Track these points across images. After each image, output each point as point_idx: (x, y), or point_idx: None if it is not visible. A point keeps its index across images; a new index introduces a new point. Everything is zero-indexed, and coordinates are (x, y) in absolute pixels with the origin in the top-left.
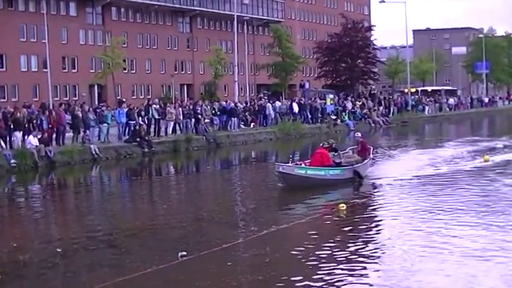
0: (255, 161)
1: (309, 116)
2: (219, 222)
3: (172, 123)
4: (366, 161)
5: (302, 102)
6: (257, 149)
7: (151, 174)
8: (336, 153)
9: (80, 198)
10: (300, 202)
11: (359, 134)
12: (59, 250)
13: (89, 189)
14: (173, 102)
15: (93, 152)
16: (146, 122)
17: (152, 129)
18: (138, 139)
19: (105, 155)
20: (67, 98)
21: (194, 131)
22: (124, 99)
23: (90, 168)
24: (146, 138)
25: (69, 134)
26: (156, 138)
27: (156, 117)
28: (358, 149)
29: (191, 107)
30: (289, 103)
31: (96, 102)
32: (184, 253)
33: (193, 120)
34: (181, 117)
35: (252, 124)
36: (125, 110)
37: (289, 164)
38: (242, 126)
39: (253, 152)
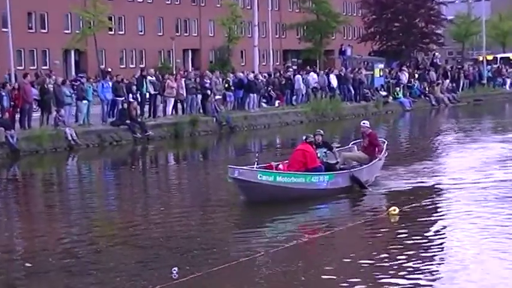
0: (280, 150)
1: (352, 92)
2: (231, 232)
3: (172, 100)
4: (372, 162)
5: (342, 73)
6: (283, 135)
7: (144, 167)
8: (327, 151)
9: (50, 199)
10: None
11: (366, 123)
12: (28, 265)
13: (61, 187)
14: (174, 73)
15: (69, 138)
16: (139, 98)
17: (146, 109)
18: (127, 121)
19: (85, 141)
20: (34, 67)
21: (201, 110)
22: (109, 69)
23: (64, 158)
24: (138, 119)
25: (37, 115)
26: (151, 120)
27: (152, 92)
28: (363, 144)
29: (197, 79)
30: (325, 75)
31: (73, 73)
32: (175, 269)
33: (200, 96)
34: (184, 93)
35: (277, 102)
36: (111, 83)
37: (250, 167)
38: (264, 104)
39: (278, 139)
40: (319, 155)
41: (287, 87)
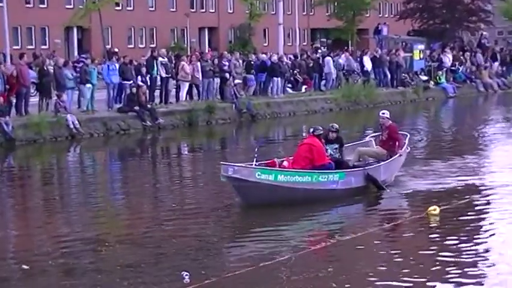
0: None
1: (388, 76)
2: (246, 233)
3: (186, 85)
4: (392, 158)
5: (377, 55)
6: (310, 124)
7: (154, 159)
8: (337, 146)
9: (49, 194)
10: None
11: (385, 113)
12: (25, 267)
13: (61, 181)
14: (188, 54)
15: (71, 126)
16: (149, 82)
17: (157, 94)
18: (136, 107)
19: (89, 129)
20: (32, 47)
21: (219, 96)
22: (116, 50)
23: (65, 148)
24: (148, 106)
25: (35, 100)
26: (163, 107)
27: (163, 75)
28: (382, 138)
29: (214, 61)
30: (358, 57)
31: (76, 54)
32: (187, 273)
33: (217, 80)
34: (199, 77)
35: (304, 87)
36: (118, 64)
37: (247, 165)
38: (289, 90)
39: (304, 129)
40: (329, 151)
41: (315, 71)
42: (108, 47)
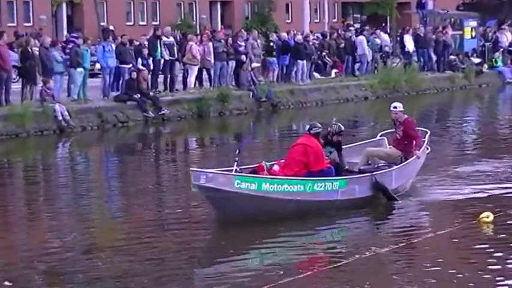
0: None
1: (433, 59)
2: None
3: (195, 69)
4: (407, 161)
5: (421, 34)
6: (341, 115)
7: (158, 156)
8: (333, 150)
9: (33, 198)
10: None
11: (397, 106)
12: (7, 284)
13: (48, 183)
14: (197, 33)
15: (60, 117)
16: (151, 66)
17: (161, 80)
18: (136, 96)
19: (80, 122)
20: (13, 24)
21: (234, 82)
22: (112, 28)
23: (53, 144)
24: (151, 94)
25: (18, 86)
26: (168, 95)
27: (168, 58)
28: (396, 136)
29: (229, 41)
30: (398, 36)
31: (65, 32)
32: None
33: (232, 64)
34: (211, 59)
35: (334, 72)
36: (114, 45)
37: (223, 170)
38: (317, 75)
39: (335, 120)
40: (326, 153)
41: (347, 52)
42: (103, 24)
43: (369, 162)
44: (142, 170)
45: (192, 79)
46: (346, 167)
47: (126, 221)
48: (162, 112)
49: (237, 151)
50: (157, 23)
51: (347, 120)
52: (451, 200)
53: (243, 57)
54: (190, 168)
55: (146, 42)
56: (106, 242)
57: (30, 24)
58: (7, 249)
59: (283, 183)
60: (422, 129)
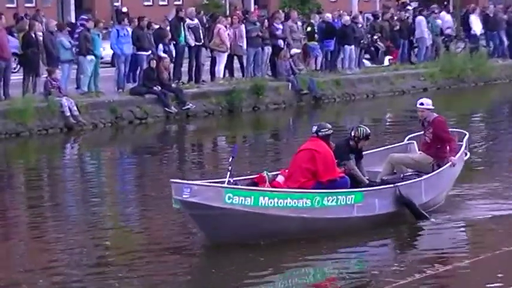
0: (388, 138)
1: (505, 43)
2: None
3: (225, 56)
4: (440, 168)
5: (490, 13)
6: (397, 110)
7: (181, 158)
8: (353, 158)
9: (36, 207)
10: None
11: (425, 102)
12: None
13: (53, 190)
14: (227, 14)
15: (67, 113)
16: (173, 53)
17: (186, 69)
18: (156, 88)
19: (91, 118)
20: (13, 5)
21: (270, 72)
22: (125, 10)
23: (59, 144)
24: (173, 85)
25: (19, 77)
26: (193, 87)
27: (193, 44)
28: (425, 140)
29: (264, 24)
30: (462, 16)
31: (73, 15)
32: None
33: (267, 50)
34: (243, 45)
35: (388, 59)
36: (130, 29)
37: (211, 182)
38: (367, 62)
39: (388, 117)
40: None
41: (403, 36)
42: (117, 5)
43: (394, 171)
44: (162, 174)
45: (221, 68)
46: (367, 177)
47: (143, 232)
48: (187, 107)
49: (231, 158)
50: (180, 2)
51: (403, 116)
52: (496, 217)
53: (281, 42)
54: (171, 180)
55: (168, 26)
56: (119, 257)
57: (33, 5)
58: (5, 264)
59: (285, 197)
60: (460, 130)
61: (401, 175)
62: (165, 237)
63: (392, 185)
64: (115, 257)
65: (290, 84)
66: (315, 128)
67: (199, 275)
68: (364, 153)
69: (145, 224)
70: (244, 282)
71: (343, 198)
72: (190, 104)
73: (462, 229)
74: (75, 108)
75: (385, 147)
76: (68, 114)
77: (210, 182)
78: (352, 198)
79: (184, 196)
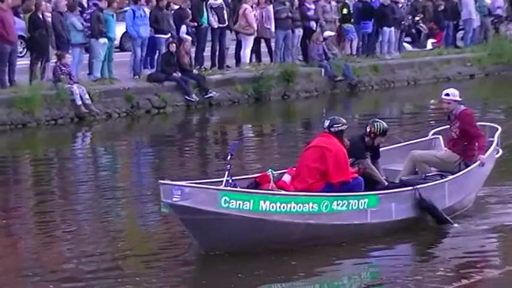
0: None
1: None
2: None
3: (251, 39)
4: (468, 168)
5: None
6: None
7: (202, 152)
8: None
9: (43, 205)
10: None
11: (450, 93)
12: None
13: (63, 186)
14: None
15: (79, 102)
16: (194, 35)
17: (208, 53)
18: (176, 74)
19: (105, 108)
20: None
21: (301, 56)
22: None
23: (70, 136)
24: (195, 71)
25: (25, 63)
26: (216, 73)
27: (216, 26)
28: (451, 135)
29: (294, 3)
30: None
31: None
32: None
33: (298, 33)
34: (271, 27)
35: (431, 42)
36: (148, 9)
37: (206, 183)
38: (408, 46)
39: (432, 106)
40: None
41: (447, 17)
42: None
43: (416, 170)
44: (181, 168)
45: (247, 53)
46: (385, 178)
47: (160, 231)
48: (209, 95)
49: (229, 155)
50: None
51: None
52: None
53: (313, 24)
54: (160, 181)
55: (189, 6)
56: (135, 259)
57: None
58: (11, 262)
59: (289, 201)
60: (492, 124)
61: (423, 175)
62: (183, 237)
63: (411, 188)
64: (128, 258)
65: (323, 70)
66: (327, 123)
67: (224, 277)
68: (382, 149)
69: (162, 223)
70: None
71: (355, 202)
72: (213, 92)
73: (492, 236)
74: (87, 96)
75: (406, 142)
76: (79, 102)
77: (205, 183)
78: (365, 202)
79: (174, 199)
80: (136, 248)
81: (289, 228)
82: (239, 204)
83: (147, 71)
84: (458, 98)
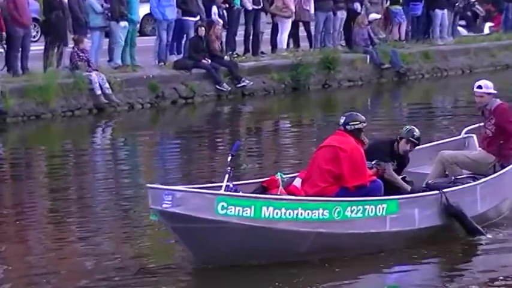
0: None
1: None
2: None
3: (289, 23)
4: (503, 170)
5: None
6: (501, 90)
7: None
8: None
9: (59, 202)
10: None
11: (483, 85)
12: None
13: (79, 183)
14: None
15: (98, 92)
16: (225, 18)
17: (241, 37)
18: (206, 61)
19: (127, 98)
20: None
21: (344, 41)
22: None
23: (88, 129)
24: (226, 58)
25: (39, 48)
26: (250, 59)
27: (250, 7)
28: (486, 133)
29: None
30: None
31: None
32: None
33: (341, 15)
34: (310, 9)
35: (488, 26)
36: None
37: (202, 188)
38: (462, 30)
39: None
40: (372, 167)
41: None
42: None
43: (446, 173)
44: (210, 165)
45: (283, 37)
46: (408, 181)
47: None
48: (242, 84)
49: (230, 157)
50: None
51: (506, 97)
52: None
53: (357, 6)
54: (147, 185)
55: None
56: (160, 268)
57: None
58: (20, 267)
59: (296, 207)
60: None
61: (452, 178)
62: None
63: (436, 192)
64: (151, 265)
65: (368, 57)
66: (343, 119)
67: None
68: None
69: None
70: None
71: (372, 208)
72: (247, 81)
73: None
74: (107, 85)
75: (436, 142)
76: (99, 92)
77: (202, 187)
78: (383, 208)
79: (164, 206)
80: (158, 254)
81: (296, 237)
82: (238, 210)
83: (174, 58)
84: (492, 91)
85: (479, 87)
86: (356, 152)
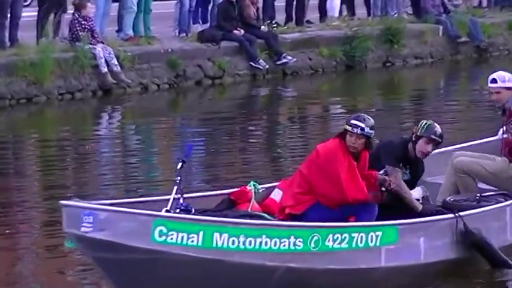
0: None
1: None
2: None
3: None
4: None
5: None
6: None
7: (270, 139)
8: (408, 174)
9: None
10: None
11: (498, 78)
12: None
13: (80, 176)
14: None
15: (104, 69)
16: None
17: (282, 3)
18: (238, 32)
19: (140, 77)
20: None
21: (409, 8)
22: None
23: (92, 113)
24: (263, 28)
25: (32, 15)
26: (293, 30)
27: None
28: (506, 137)
29: None
30: None
31: None
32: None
33: None
34: None
35: None
36: None
37: (134, 203)
38: None
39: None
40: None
41: None
42: None
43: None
44: (241, 159)
45: (335, 3)
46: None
47: None
48: (283, 61)
49: (180, 163)
50: None
51: None
52: None
53: None
54: (61, 202)
55: None
56: None
57: None
58: (11, 280)
59: (258, 234)
60: None
61: (477, 196)
62: None
63: (451, 216)
64: None
65: (441, 28)
66: (349, 122)
67: None
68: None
69: None
70: None
71: (362, 236)
72: (289, 57)
73: None
74: (115, 61)
75: (461, 145)
76: (105, 70)
77: (139, 202)
78: (378, 236)
79: (83, 229)
80: None
81: (258, 274)
82: (182, 237)
83: (198, 27)
84: (508, 83)
85: (494, 80)
86: (329, 156)
